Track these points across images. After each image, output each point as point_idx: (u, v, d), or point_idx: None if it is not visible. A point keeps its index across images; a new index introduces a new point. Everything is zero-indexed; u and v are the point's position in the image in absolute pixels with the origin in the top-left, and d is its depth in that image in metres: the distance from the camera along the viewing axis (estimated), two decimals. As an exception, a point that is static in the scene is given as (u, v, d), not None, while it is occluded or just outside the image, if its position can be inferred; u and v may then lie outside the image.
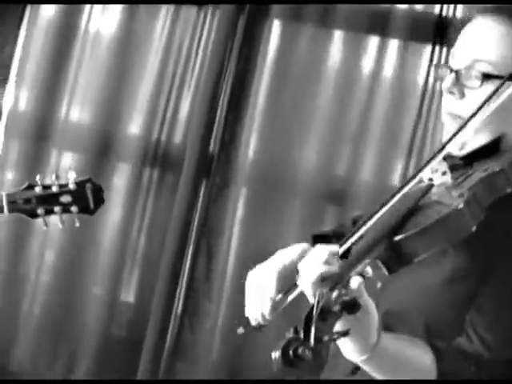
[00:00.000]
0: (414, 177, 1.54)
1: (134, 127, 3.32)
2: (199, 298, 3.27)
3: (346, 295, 1.30)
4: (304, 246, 1.65)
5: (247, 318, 1.65)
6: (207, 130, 3.27)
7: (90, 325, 3.30)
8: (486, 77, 1.57)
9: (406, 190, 1.52)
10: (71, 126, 3.33)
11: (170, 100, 3.30)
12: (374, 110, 3.21)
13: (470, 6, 3.11)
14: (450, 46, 3.14)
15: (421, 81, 3.20)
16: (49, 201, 2.20)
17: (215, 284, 3.26)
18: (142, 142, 3.30)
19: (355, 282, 1.34)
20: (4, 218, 3.06)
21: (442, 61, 3.15)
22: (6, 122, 3.33)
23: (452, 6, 3.16)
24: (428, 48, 3.20)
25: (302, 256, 1.56)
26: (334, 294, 1.29)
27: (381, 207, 1.50)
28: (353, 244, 1.46)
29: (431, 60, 3.19)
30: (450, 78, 1.61)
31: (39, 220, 2.22)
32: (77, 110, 3.33)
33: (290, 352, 1.21)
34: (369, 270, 1.39)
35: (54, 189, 2.20)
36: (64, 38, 3.30)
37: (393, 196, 1.51)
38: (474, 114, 1.53)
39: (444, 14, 3.17)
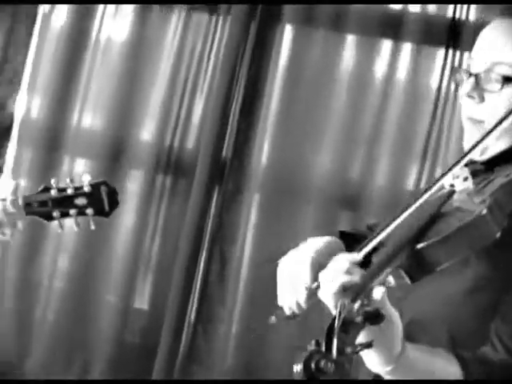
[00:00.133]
0: (435, 183, 1.52)
1: (147, 133, 3.31)
2: (213, 303, 3.26)
3: (369, 306, 1.28)
4: (333, 238, 1.61)
5: (280, 308, 1.58)
6: (220, 136, 3.26)
7: (104, 331, 3.29)
8: (507, 80, 1.55)
9: (427, 196, 1.50)
10: (83, 132, 3.33)
11: (182, 105, 3.29)
12: (387, 114, 3.20)
13: (482, 9, 3.10)
14: (463, 48, 3.13)
15: (434, 84, 3.19)
16: (64, 203, 2.19)
17: (229, 290, 3.25)
18: (154, 147, 3.29)
19: (378, 292, 1.32)
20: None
21: (456, 64, 3.13)
22: (18, 130, 3.33)
23: (465, 9, 3.14)
24: (441, 51, 3.18)
25: (331, 246, 1.53)
26: (356, 304, 1.27)
27: (400, 214, 1.48)
28: (373, 252, 1.44)
29: (445, 63, 3.17)
30: (469, 82, 1.59)
31: (53, 224, 2.22)
32: (89, 117, 3.33)
33: (312, 365, 1.18)
34: (391, 280, 1.37)
35: (70, 191, 2.20)
36: (75, 44, 3.30)
37: (413, 202, 1.49)
38: (500, 122, 1.51)
39: (457, 16, 3.15)
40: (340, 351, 1.20)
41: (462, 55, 3.15)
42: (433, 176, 3.14)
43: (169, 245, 3.29)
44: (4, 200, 2.16)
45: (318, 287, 1.46)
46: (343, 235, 1.67)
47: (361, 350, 1.24)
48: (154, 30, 3.30)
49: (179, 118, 3.30)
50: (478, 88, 1.59)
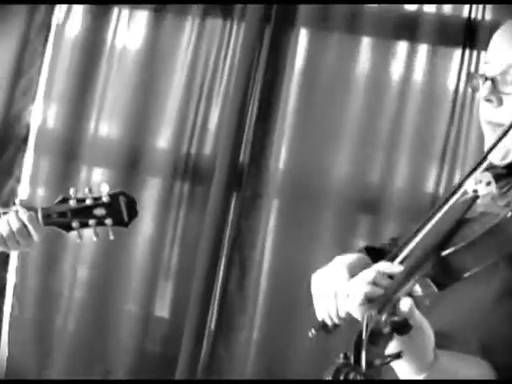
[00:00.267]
0: (457, 189, 1.51)
1: (163, 140, 3.30)
2: (233, 311, 3.25)
3: (396, 316, 1.25)
4: (361, 254, 1.60)
5: (319, 321, 1.56)
6: (237, 142, 3.25)
7: (124, 341, 3.28)
8: None
9: (450, 203, 1.48)
10: (100, 141, 3.33)
11: (198, 112, 3.28)
12: (404, 116, 3.17)
13: (498, 9, 3.07)
14: (479, 49, 3.10)
15: (451, 85, 3.16)
16: (83, 214, 2.20)
17: (249, 297, 3.23)
18: (171, 155, 3.28)
19: (405, 303, 1.30)
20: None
21: (473, 64, 3.10)
22: (35, 140, 3.33)
23: (481, 9, 3.11)
24: (458, 52, 3.16)
25: (361, 261, 1.53)
26: (384, 315, 1.25)
27: (426, 222, 1.47)
28: (400, 262, 1.43)
29: (461, 64, 3.14)
30: (486, 87, 1.57)
31: (72, 234, 2.22)
32: (105, 126, 3.33)
33: (341, 378, 1.16)
34: (418, 289, 1.35)
35: (88, 202, 2.20)
36: (90, 54, 3.30)
37: (437, 210, 1.48)
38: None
39: (473, 16, 3.13)
40: (369, 363, 1.18)
41: (478, 55, 3.12)
42: (452, 178, 3.11)
43: (188, 252, 3.28)
44: (17, 211, 2.16)
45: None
46: (367, 250, 1.66)
47: (390, 361, 1.22)
48: (168, 37, 3.29)
49: (196, 124, 3.29)
50: (495, 91, 1.56)
